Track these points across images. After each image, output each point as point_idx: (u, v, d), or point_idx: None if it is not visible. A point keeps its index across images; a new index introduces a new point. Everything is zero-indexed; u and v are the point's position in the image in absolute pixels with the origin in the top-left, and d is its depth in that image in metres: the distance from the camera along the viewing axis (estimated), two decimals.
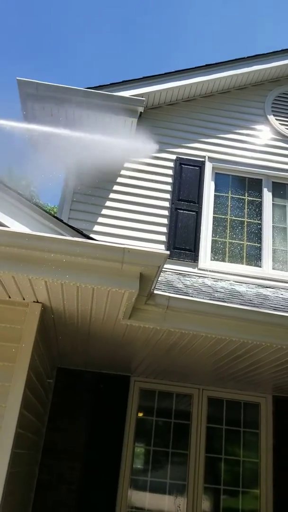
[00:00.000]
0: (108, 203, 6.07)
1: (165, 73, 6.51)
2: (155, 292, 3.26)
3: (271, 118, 6.86)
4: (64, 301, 3.08)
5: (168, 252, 2.67)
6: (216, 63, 6.72)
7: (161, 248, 5.96)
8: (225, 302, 3.55)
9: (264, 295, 4.89)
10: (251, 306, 3.57)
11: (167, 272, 5.65)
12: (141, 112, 6.51)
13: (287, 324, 3.33)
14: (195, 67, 6.62)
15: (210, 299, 3.44)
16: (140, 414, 5.61)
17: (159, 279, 4.79)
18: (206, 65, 6.68)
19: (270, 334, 3.39)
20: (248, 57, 6.86)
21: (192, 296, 3.41)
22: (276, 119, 6.87)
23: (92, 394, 5.45)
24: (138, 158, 6.20)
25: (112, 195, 6.12)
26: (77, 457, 5.20)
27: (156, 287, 3.89)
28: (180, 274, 5.69)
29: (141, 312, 3.27)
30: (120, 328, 3.57)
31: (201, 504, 5.31)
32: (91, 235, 5.69)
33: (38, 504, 4.99)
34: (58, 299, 3.03)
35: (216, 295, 4.21)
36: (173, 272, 5.73)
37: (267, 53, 6.92)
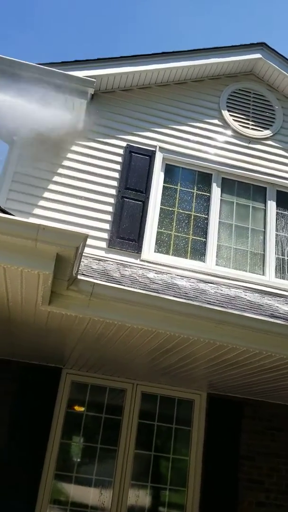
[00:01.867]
0: (51, 186, 5.80)
1: (121, 57, 6.29)
2: (79, 277, 3.05)
3: (226, 113, 6.78)
4: None
5: (87, 233, 2.47)
6: (173, 52, 6.55)
7: (104, 237, 5.76)
8: (155, 292, 3.38)
9: (202, 289, 4.78)
10: (182, 298, 3.42)
11: (108, 262, 5.45)
12: (92, 95, 6.28)
13: (215, 318, 3.20)
14: (152, 54, 6.44)
15: (139, 289, 3.26)
16: (70, 408, 5.39)
17: (95, 268, 4.58)
18: (163, 52, 6.51)
19: (198, 328, 3.26)
20: (206, 48, 6.74)
21: (119, 284, 3.22)
22: (230, 115, 6.79)
23: (19, 385, 5.18)
24: (82, 138, 5.96)
25: (56, 178, 5.85)
26: None
27: (88, 274, 3.69)
28: (121, 264, 5.51)
29: (63, 298, 3.05)
30: (42, 315, 3.34)
31: (126, 501, 5.16)
32: (31, 218, 5.41)
33: None
34: None
35: (152, 286, 4.05)
36: (114, 262, 5.54)
37: (226, 47, 6.83)
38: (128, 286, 3.26)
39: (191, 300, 3.52)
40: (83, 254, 5.51)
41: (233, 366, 3.99)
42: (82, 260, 5.04)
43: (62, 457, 5.21)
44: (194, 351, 3.71)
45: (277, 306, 4.74)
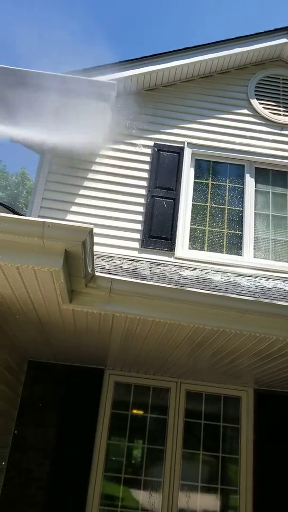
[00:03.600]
0: (82, 191, 5.88)
1: (142, 57, 6.30)
2: (97, 274, 3.06)
3: (255, 102, 6.60)
4: None
5: (92, 227, 2.47)
6: (195, 46, 6.48)
7: (136, 237, 5.76)
8: (178, 286, 3.33)
9: (236, 283, 4.65)
10: (206, 290, 3.34)
11: (141, 261, 5.44)
12: (116, 98, 6.33)
13: (241, 307, 3.10)
14: (174, 51, 6.40)
15: (158, 283, 3.23)
16: (115, 409, 5.40)
17: (125, 267, 4.59)
18: (185, 48, 6.45)
19: (224, 319, 3.17)
20: (230, 39, 6.61)
21: (137, 278, 3.20)
22: (259, 103, 6.61)
23: (64, 387, 5.27)
24: (110, 142, 6.01)
25: (86, 183, 5.93)
26: (47, 453, 5.02)
27: (116, 273, 3.70)
28: (154, 263, 5.48)
29: (83, 295, 3.08)
30: (67, 314, 3.38)
31: (177, 502, 5.09)
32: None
33: (5, 500, 4.82)
34: None
35: (181, 281, 3.99)
36: (147, 261, 5.52)
37: (250, 35, 6.66)
38: (148, 281, 3.23)
39: (219, 292, 3.43)
40: (118, 255, 5.55)
41: (270, 357, 3.84)
42: (114, 261, 5.07)
43: (109, 458, 5.24)
44: (225, 343, 3.61)
45: None
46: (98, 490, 5.04)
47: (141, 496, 5.18)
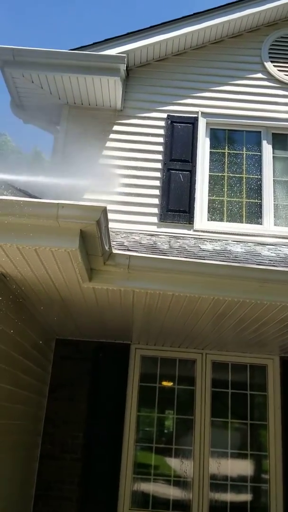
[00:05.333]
0: (98, 169, 5.87)
1: (151, 27, 6.15)
2: (114, 251, 3.09)
3: (269, 65, 6.40)
4: (17, 267, 2.97)
5: (105, 205, 2.48)
6: (205, 11, 6.28)
7: (154, 212, 5.75)
8: (197, 259, 3.33)
9: (257, 252, 4.62)
10: (224, 261, 3.33)
11: (160, 236, 5.44)
12: (129, 71, 6.24)
13: (259, 277, 3.09)
14: (182, 17, 6.22)
15: (176, 256, 3.24)
16: (143, 382, 5.52)
17: (144, 243, 4.60)
18: (194, 13, 6.26)
19: (242, 289, 3.18)
20: (240, 0, 6.38)
21: (155, 254, 3.22)
22: (274, 65, 6.40)
23: (92, 363, 5.40)
24: (122, 117, 5.96)
25: (101, 160, 5.91)
26: (79, 427, 5.19)
27: (134, 249, 3.72)
28: (174, 237, 5.47)
29: (102, 273, 3.12)
30: (89, 292, 3.43)
31: (208, 468, 5.22)
32: None
33: (43, 473, 5.03)
34: (8, 264, 2.91)
35: (199, 254, 3.99)
36: (166, 235, 5.52)
37: None
38: (166, 255, 3.24)
39: (237, 262, 3.42)
40: (137, 231, 5.56)
41: None
42: (133, 236, 5.09)
43: (140, 429, 5.38)
44: (247, 313, 3.62)
45: None
46: (131, 460, 5.20)
47: (173, 464, 5.33)
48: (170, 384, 5.58)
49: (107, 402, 5.30)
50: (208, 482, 5.20)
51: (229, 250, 4.57)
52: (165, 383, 5.60)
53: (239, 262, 3.38)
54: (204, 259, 3.39)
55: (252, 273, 3.12)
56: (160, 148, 5.99)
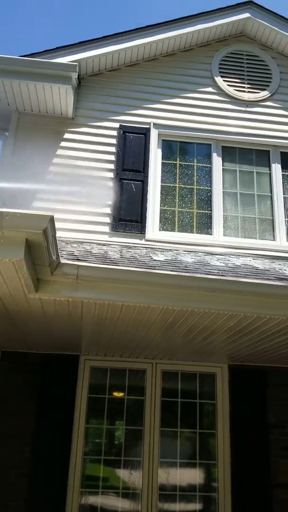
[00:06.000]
0: (47, 177, 5.79)
1: (103, 37, 6.18)
2: (63, 261, 3.03)
3: (219, 79, 6.57)
4: None
5: (52, 214, 2.43)
6: (157, 24, 6.39)
7: (106, 221, 5.73)
8: (146, 268, 3.33)
9: (206, 262, 4.69)
10: (173, 271, 3.35)
11: (111, 245, 5.42)
12: (81, 80, 6.22)
13: (208, 286, 3.13)
14: (135, 29, 6.30)
15: (125, 266, 3.22)
16: (92, 393, 5.43)
17: (95, 252, 4.57)
18: (147, 26, 6.35)
19: (192, 298, 3.21)
20: (191, 15, 6.53)
21: (104, 263, 3.19)
22: (224, 80, 6.58)
23: (40, 375, 5.26)
24: (73, 125, 5.91)
25: (51, 168, 5.83)
26: (26, 441, 5.03)
27: (84, 259, 3.68)
28: (125, 246, 5.47)
29: (50, 284, 3.05)
30: (35, 303, 3.35)
31: (157, 478, 5.19)
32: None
33: None
34: None
35: (150, 264, 4.00)
36: (118, 245, 5.51)
37: (211, 11, 6.60)
38: (116, 265, 3.22)
39: (187, 272, 3.45)
40: (88, 240, 5.52)
41: (240, 334, 3.91)
42: (83, 246, 5.04)
43: (89, 441, 5.28)
44: (196, 322, 3.65)
45: (285, 270, 4.60)
46: (79, 473, 5.09)
47: (122, 475, 5.26)
48: (120, 394, 5.53)
49: (55, 414, 5.18)
50: (157, 493, 5.17)
51: (180, 260, 4.61)
52: (115, 394, 5.55)
53: (188, 272, 3.42)
54: (155, 269, 3.40)
55: (201, 283, 3.15)
56: (112, 157, 5.99)
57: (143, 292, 3.18)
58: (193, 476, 5.39)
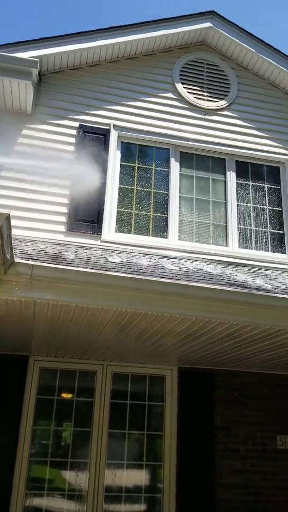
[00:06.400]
0: (3, 173, 5.67)
1: (66, 35, 6.12)
2: (17, 260, 2.99)
3: (180, 86, 6.67)
4: None
5: (8, 212, 2.39)
6: (120, 26, 6.40)
7: (62, 221, 5.68)
8: (101, 270, 3.34)
9: (161, 265, 4.75)
10: (128, 274, 3.38)
11: (67, 245, 5.38)
12: (41, 76, 6.14)
13: (161, 290, 3.18)
14: (98, 29, 6.28)
15: (80, 267, 3.22)
16: (41, 394, 5.36)
17: (49, 252, 4.51)
18: (110, 27, 6.35)
19: (145, 301, 3.24)
20: (155, 20, 6.59)
21: (59, 264, 3.17)
22: (184, 87, 6.69)
23: None
24: (32, 121, 5.82)
25: (7, 164, 5.71)
26: None
27: (39, 258, 3.63)
28: (81, 247, 5.44)
29: (2, 283, 3.00)
30: None
31: (103, 480, 5.19)
32: None
33: None
34: None
35: (106, 265, 4.00)
36: (73, 245, 5.47)
37: (175, 17, 6.68)
38: (71, 266, 3.21)
39: (141, 275, 3.48)
40: (44, 240, 5.44)
41: (191, 337, 3.99)
42: (38, 245, 4.97)
43: (36, 443, 5.21)
44: (149, 325, 3.69)
45: (236, 275, 4.74)
46: (24, 475, 5.01)
47: (68, 477, 5.22)
48: (69, 396, 5.49)
49: (1, 416, 5.07)
50: (103, 494, 5.17)
51: (135, 262, 4.64)
52: (64, 395, 5.50)
53: (143, 275, 3.45)
54: (109, 271, 3.41)
55: (154, 286, 3.19)
56: (71, 156, 5.94)
57: (98, 293, 3.18)
58: (139, 477, 5.43)
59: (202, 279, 3.90)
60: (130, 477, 5.40)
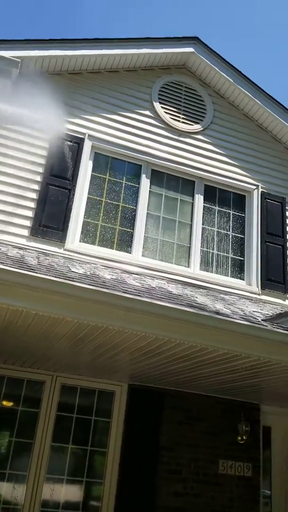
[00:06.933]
0: None
1: (50, 39, 6.09)
2: None
3: (157, 105, 6.76)
4: None
5: None
6: (105, 39, 6.44)
7: (26, 224, 5.56)
8: (64, 279, 3.28)
9: (123, 280, 4.72)
10: (92, 285, 3.33)
11: (29, 250, 5.27)
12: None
13: (124, 305, 3.15)
14: (82, 39, 6.29)
15: (43, 275, 3.14)
16: None
17: (11, 255, 4.40)
18: (95, 39, 6.37)
19: (108, 315, 3.20)
20: (139, 38, 6.67)
21: (22, 269, 3.09)
22: (162, 107, 6.78)
23: None
24: (8, 121, 5.71)
25: None
26: None
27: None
28: (43, 253, 5.34)
29: None
30: None
31: (40, 494, 5.03)
32: None
33: None
34: None
35: (69, 275, 3.94)
36: (35, 250, 5.36)
37: (159, 38, 6.79)
38: (34, 272, 3.13)
39: (106, 288, 3.44)
40: (5, 242, 5.30)
41: (148, 355, 3.97)
42: None
43: None
44: (108, 339, 3.65)
45: (196, 297, 4.78)
46: None
47: (4, 489, 5.03)
48: (13, 405, 5.31)
49: None
50: (39, 509, 5.00)
51: (97, 275, 4.59)
52: (7, 404, 5.32)
53: (107, 288, 3.41)
54: (73, 281, 3.35)
55: (119, 301, 3.16)
56: (42, 160, 5.87)
57: (60, 303, 3.12)
58: (78, 494, 5.30)
59: (164, 298, 3.90)
60: (69, 493, 5.26)
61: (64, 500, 5.17)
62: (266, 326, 3.78)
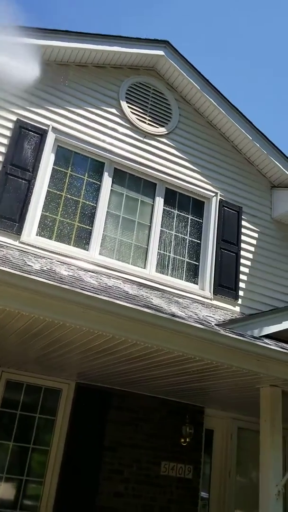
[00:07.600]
0: None
1: (22, 27, 5.90)
2: None
3: (124, 104, 6.73)
4: None
5: None
6: (76, 32, 6.33)
7: None
8: (21, 272, 3.18)
9: (80, 277, 4.65)
10: (51, 280, 3.26)
11: None
12: None
13: (83, 302, 3.10)
14: (52, 29, 6.15)
15: (1, 266, 3.04)
16: None
17: None
18: (66, 31, 6.26)
19: (66, 312, 3.15)
20: (111, 35, 6.62)
21: None
22: (128, 106, 6.75)
23: None
24: None
25: None
26: None
27: None
28: None
29: None
30: None
31: None
32: None
33: None
34: None
35: (25, 268, 3.83)
36: None
37: (130, 37, 6.76)
38: None
39: (65, 284, 3.38)
40: None
41: (102, 353, 3.93)
42: None
43: None
44: (62, 336, 3.59)
45: (152, 299, 4.79)
46: None
47: None
48: None
49: None
50: None
51: (54, 270, 4.50)
52: None
53: (65, 284, 3.35)
54: (30, 274, 3.26)
55: (78, 298, 3.11)
56: (3, 149, 5.69)
57: (16, 297, 3.03)
58: (16, 493, 5.17)
59: (121, 298, 3.88)
60: (7, 492, 5.13)
61: (1, 499, 5.03)
62: (219, 330, 3.84)
